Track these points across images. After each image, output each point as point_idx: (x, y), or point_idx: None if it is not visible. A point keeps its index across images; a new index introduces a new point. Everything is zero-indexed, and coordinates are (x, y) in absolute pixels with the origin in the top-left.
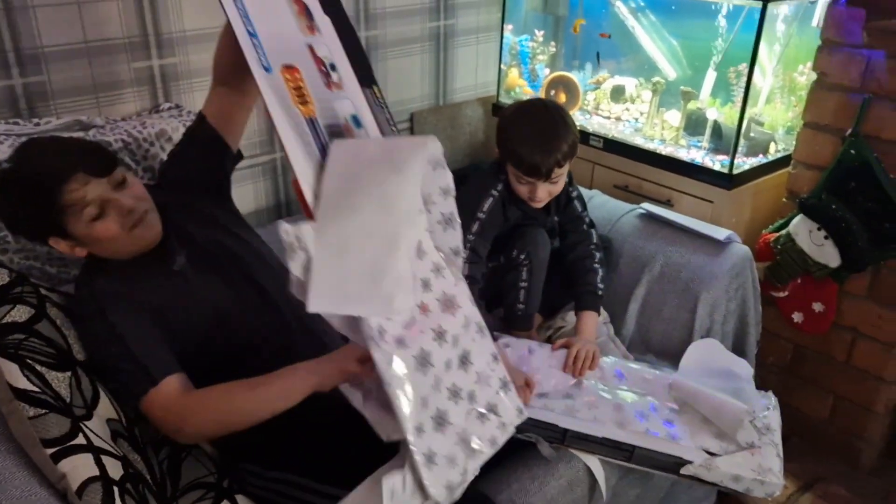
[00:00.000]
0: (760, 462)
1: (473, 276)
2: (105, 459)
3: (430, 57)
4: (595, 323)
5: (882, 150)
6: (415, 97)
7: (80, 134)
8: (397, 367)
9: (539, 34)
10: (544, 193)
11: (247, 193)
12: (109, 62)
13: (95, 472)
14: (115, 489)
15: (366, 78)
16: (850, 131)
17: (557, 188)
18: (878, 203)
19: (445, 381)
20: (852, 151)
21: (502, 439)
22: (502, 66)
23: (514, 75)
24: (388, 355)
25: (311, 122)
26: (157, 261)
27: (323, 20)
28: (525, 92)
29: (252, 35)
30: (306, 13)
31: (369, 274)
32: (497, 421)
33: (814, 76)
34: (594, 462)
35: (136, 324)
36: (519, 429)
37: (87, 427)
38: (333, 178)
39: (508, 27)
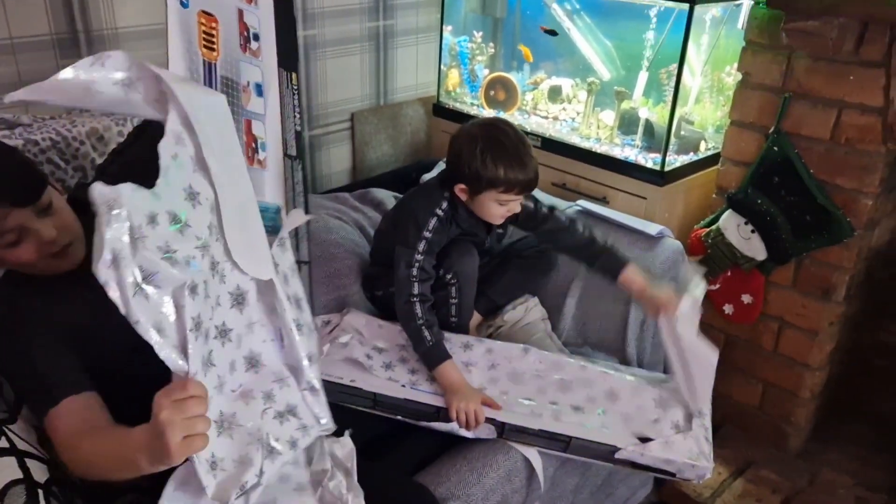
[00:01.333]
0: (691, 446)
1: (424, 293)
2: (30, 462)
3: (370, 57)
4: (638, 273)
5: (802, 146)
6: (355, 97)
7: (5, 133)
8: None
9: (478, 35)
10: (518, 207)
11: None
12: (36, 59)
13: (19, 474)
14: (41, 492)
15: (287, 63)
16: (772, 129)
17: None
18: (800, 197)
19: (231, 383)
20: (775, 148)
21: (304, 442)
22: (442, 67)
23: (453, 76)
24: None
25: (209, 65)
26: (81, 278)
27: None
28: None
29: None
30: None
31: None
32: (297, 423)
33: (739, 76)
34: (532, 453)
35: (48, 342)
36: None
37: (10, 430)
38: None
39: (448, 28)
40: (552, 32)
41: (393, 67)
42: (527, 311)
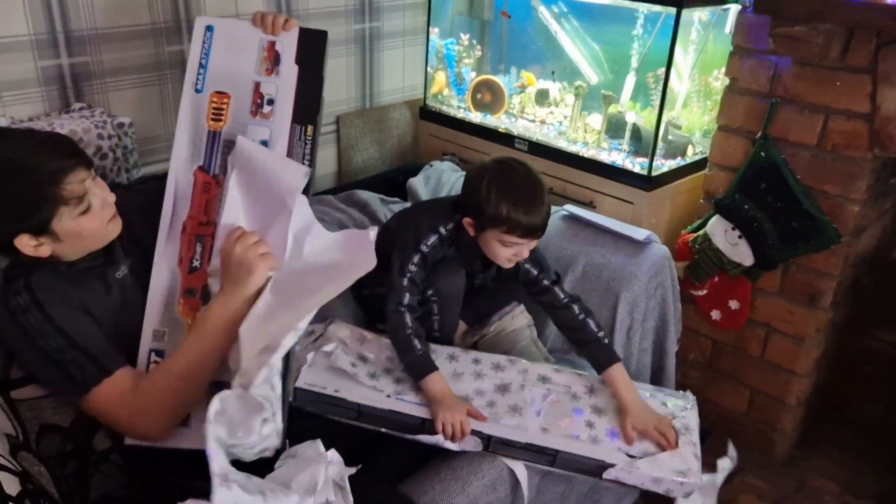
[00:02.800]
0: (679, 463)
1: (411, 304)
2: (1, 475)
3: (356, 59)
4: (625, 374)
5: (789, 151)
6: (340, 100)
7: None
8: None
9: (465, 38)
10: (527, 252)
11: None
12: (14, 60)
13: None
14: None
15: (304, 117)
16: (759, 134)
17: (535, 244)
18: (787, 203)
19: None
20: (762, 153)
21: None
22: (429, 70)
23: (440, 78)
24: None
25: (212, 135)
26: (99, 267)
27: (290, 68)
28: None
29: (202, 66)
30: (274, 59)
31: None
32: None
33: (727, 81)
34: (518, 466)
35: (76, 318)
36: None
37: None
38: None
39: (434, 30)
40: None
41: (379, 70)
42: (513, 318)
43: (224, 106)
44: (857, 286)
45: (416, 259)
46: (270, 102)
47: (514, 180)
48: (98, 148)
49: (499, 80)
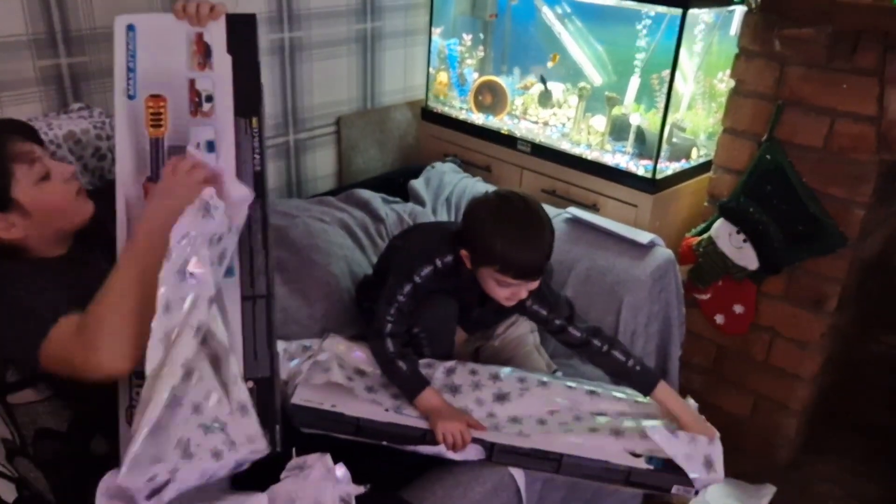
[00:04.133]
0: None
1: (395, 333)
2: None
3: (357, 59)
4: (670, 391)
5: (795, 154)
6: (341, 100)
7: None
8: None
9: (467, 38)
10: (525, 293)
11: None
12: (12, 59)
13: None
14: None
15: (247, 110)
16: (765, 137)
17: (535, 285)
18: (792, 206)
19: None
20: (767, 156)
21: (229, 456)
22: (431, 70)
23: (442, 79)
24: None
25: (155, 142)
26: (71, 260)
27: (223, 59)
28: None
29: (130, 70)
30: (204, 52)
31: None
32: (224, 437)
33: (732, 83)
34: (518, 471)
35: (30, 280)
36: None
37: None
38: None
39: (437, 30)
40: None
41: (380, 70)
42: (516, 325)
43: (161, 110)
44: (863, 291)
45: (406, 289)
46: (209, 99)
47: (511, 216)
48: (97, 149)
49: (501, 80)
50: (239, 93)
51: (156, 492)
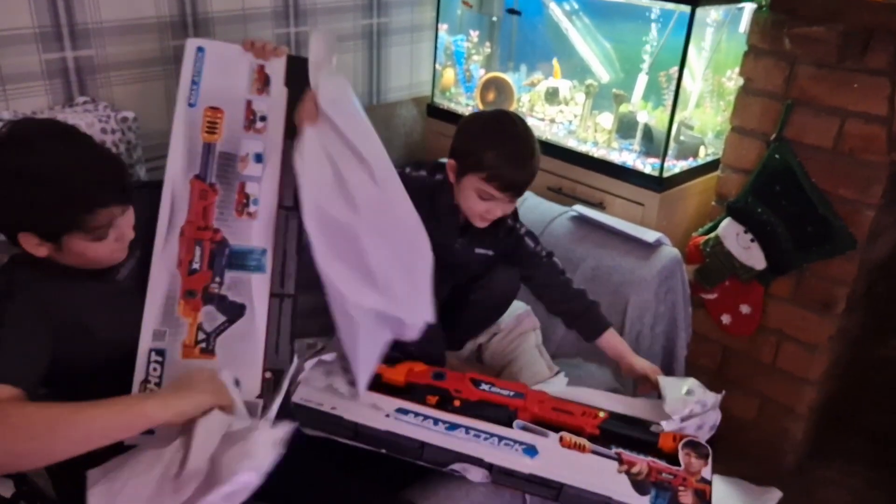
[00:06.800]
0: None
1: None
2: None
3: (363, 55)
4: (618, 337)
5: (804, 154)
6: None
7: None
8: None
9: (474, 34)
10: (500, 212)
11: None
12: (18, 52)
13: None
14: None
15: (294, 133)
16: (774, 136)
17: (510, 209)
18: (801, 207)
19: None
20: (776, 156)
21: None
22: (437, 67)
23: (448, 75)
24: None
25: (207, 146)
26: (96, 277)
27: (279, 89)
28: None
29: (194, 83)
30: (264, 81)
31: None
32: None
33: (741, 81)
34: None
35: (26, 322)
36: (443, 462)
37: None
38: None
39: (443, 27)
40: (516, 12)
41: (386, 66)
42: (518, 321)
43: (218, 120)
44: (871, 294)
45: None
46: (263, 118)
47: (508, 131)
48: (101, 142)
49: (508, 77)
50: (289, 119)
51: None
